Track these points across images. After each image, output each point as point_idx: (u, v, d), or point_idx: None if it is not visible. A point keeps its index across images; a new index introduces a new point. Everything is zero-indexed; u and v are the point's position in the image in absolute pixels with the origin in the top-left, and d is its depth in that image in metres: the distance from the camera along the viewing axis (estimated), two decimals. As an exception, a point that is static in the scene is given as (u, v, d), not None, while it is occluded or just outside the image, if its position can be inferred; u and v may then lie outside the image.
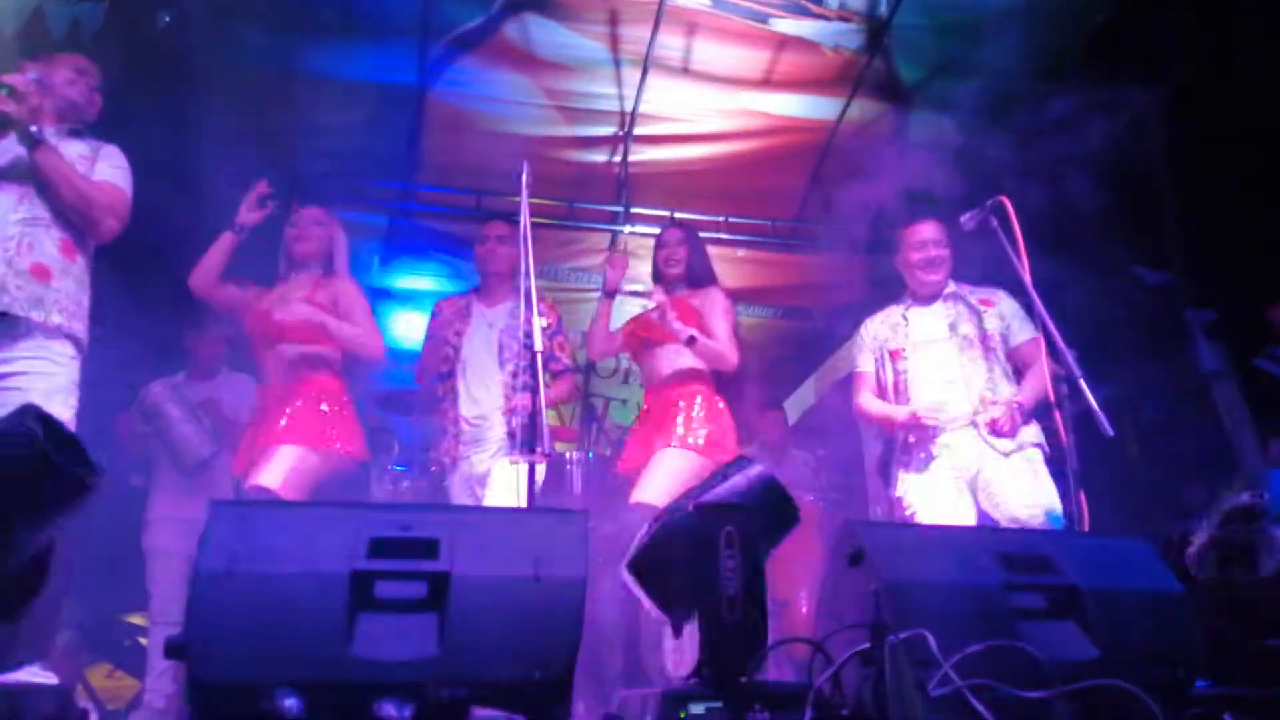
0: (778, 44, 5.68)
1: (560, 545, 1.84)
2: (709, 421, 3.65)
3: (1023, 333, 3.68)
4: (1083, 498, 2.90)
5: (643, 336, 3.92)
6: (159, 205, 3.27)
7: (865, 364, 3.84)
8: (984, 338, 3.65)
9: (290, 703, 1.60)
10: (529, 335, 2.88)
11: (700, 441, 3.58)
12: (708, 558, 1.90)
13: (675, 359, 3.79)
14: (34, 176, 2.92)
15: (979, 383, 3.57)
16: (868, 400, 3.78)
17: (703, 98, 5.99)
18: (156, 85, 4.59)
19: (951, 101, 6.01)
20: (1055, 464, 3.38)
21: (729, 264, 6.71)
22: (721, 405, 3.78)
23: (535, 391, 2.74)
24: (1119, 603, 2.07)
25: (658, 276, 4.08)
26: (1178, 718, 1.90)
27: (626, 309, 7.11)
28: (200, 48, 5.36)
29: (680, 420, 3.62)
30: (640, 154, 6.30)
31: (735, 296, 6.84)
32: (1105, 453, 3.34)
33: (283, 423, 3.43)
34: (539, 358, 2.80)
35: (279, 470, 3.28)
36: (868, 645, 1.81)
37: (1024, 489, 3.41)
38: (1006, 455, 3.47)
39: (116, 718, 4.42)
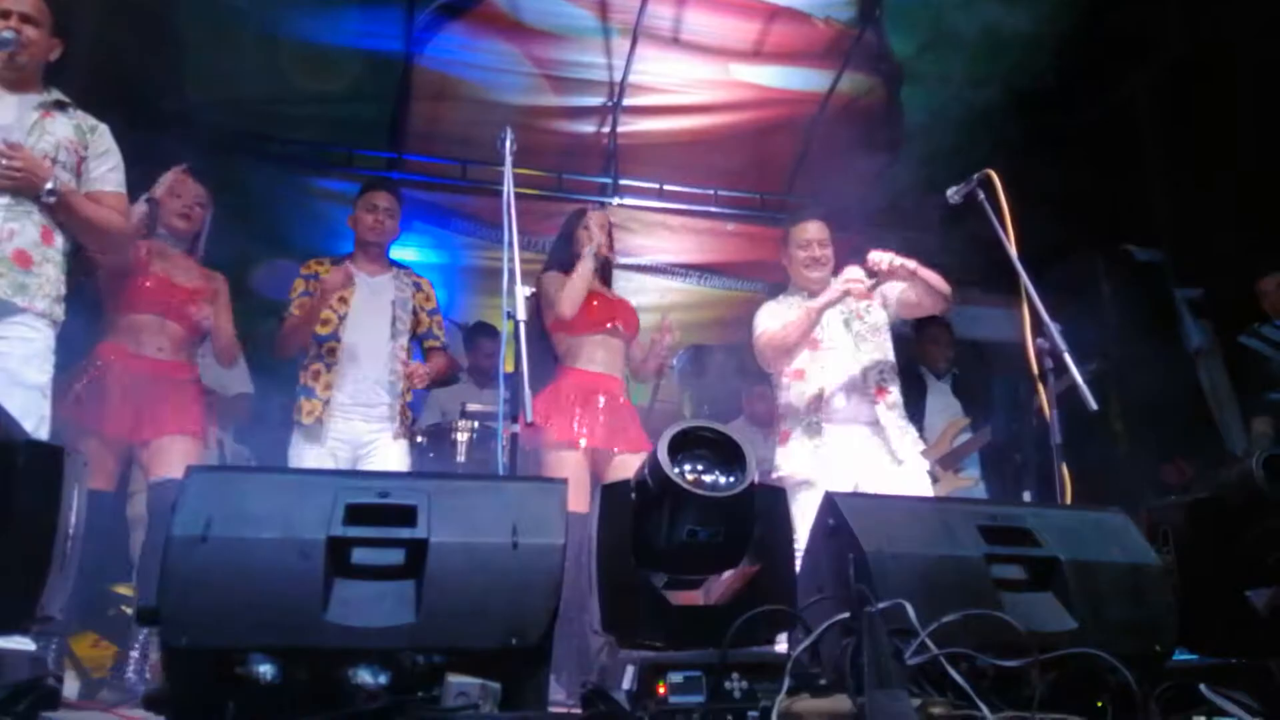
0: (769, 15, 5.63)
1: (539, 512, 1.82)
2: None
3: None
4: (1065, 471, 2.91)
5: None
6: (134, 172, 3.22)
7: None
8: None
9: (265, 669, 1.59)
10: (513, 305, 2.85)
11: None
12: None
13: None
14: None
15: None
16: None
17: (693, 68, 5.94)
18: (135, 48, 4.53)
19: (943, 75, 5.97)
20: (1040, 437, 3.38)
21: (718, 237, 6.69)
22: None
23: (520, 360, 2.72)
24: (1098, 575, 2.07)
25: None
26: (1154, 688, 1.91)
27: (621, 284, 7.13)
28: (181, 11, 5.28)
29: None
30: (630, 125, 6.26)
31: (724, 270, 6.88)
32: (1089, 427, 3.35)
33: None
34: (522, 327, 2.78)
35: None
36: (847, 615, 1.81)
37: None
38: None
39: (100, 685, 4.41)
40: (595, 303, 3.82)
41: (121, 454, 3.48)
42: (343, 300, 3.73)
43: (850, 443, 3.57)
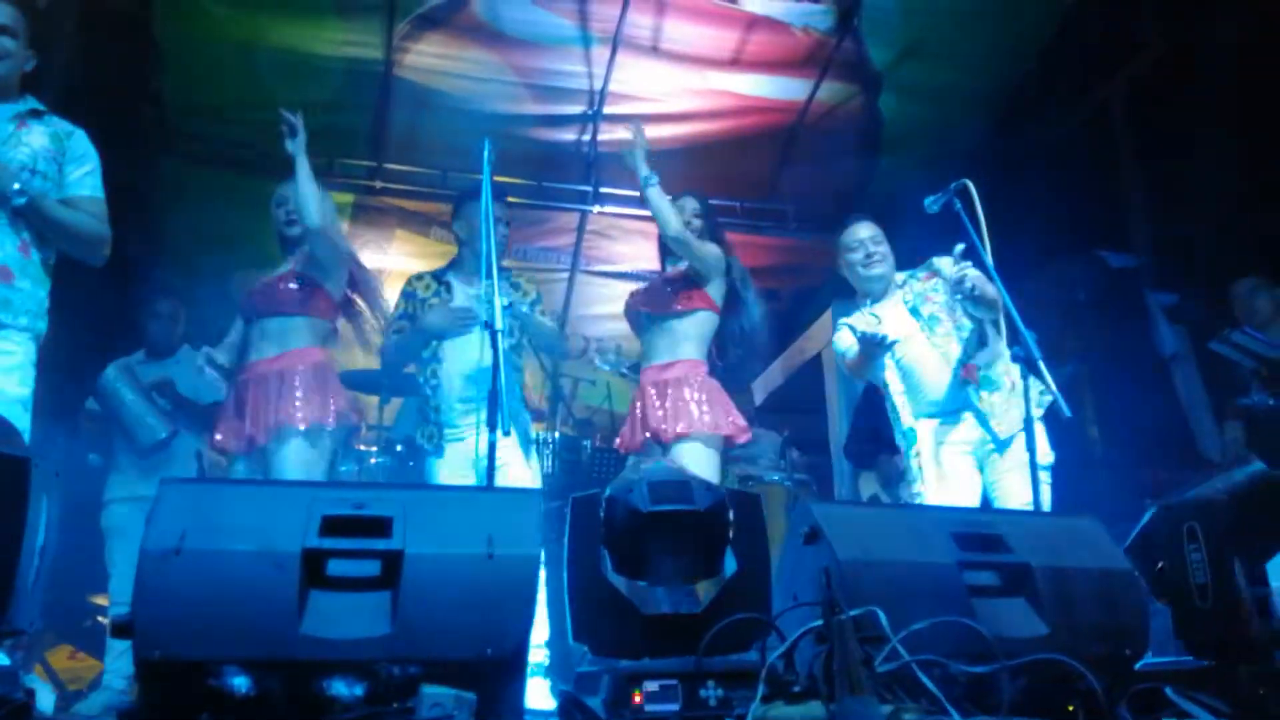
0: (747, 24, 5.66)
1: (514, 523, 1.83)
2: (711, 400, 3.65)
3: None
4: (1040, 477, 2.94)
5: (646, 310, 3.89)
6: (114, 181, 3.20)
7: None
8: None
9: (238, 681, 1.59)
10: (492, 314, 2.86)
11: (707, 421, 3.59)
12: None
13: (675, 339, 3.78)
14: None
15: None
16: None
17: (672, 77, 5.96)
18: (115, 58, 4.51)
19: (921, 83, 6.02)
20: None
21: (698, 245, 6.69)
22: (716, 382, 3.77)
23: (496, 370, 2.73)
24: (1069, 581, 2.10)
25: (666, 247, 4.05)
26: (1123, 692, 1.93)
27: (599, 290, 7.17)
28: (162, 20, 5.27)
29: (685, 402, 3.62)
30: (610, 133, 6.27)
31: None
32: (1065, 433, 3.38)
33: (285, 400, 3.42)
34: (499, 336, 2.79)
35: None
36: (820, 623, 1.82)
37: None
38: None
39: (77, 698, 4.38)
40: None
41: None
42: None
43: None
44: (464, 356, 3.61)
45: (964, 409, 3.44)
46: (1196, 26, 4.99)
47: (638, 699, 1.82)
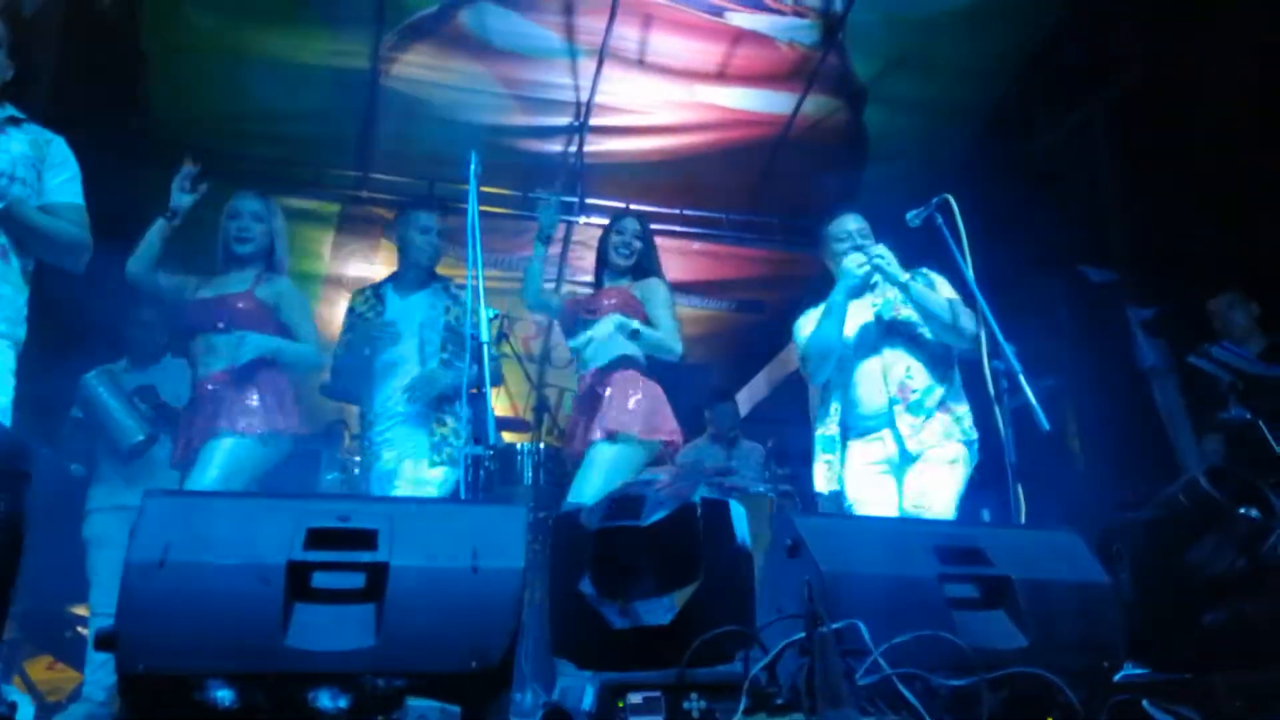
0: (733, 38, 5.70)
1: (499, 536, 1.84)
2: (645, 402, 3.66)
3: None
4: (1019, 490, 2.96)
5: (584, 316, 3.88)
6: (98, 190, 3.19)
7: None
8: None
9: (222, 694, 1.59)
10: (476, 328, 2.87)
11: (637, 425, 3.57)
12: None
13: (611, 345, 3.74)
14: None
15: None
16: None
17: (658, 90, 6.00)
18: (100, 67, 4.50)
19: (904, 98, 6.08)
20: (994, 456, 3.42)
21: (684, 256, 6.74)
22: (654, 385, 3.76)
23: (481, 385, 2.74)
24: (1048, 593, 2.12)
25: (604, 262, 4.02)
26: (1101, 704, 1.95)
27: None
28: (148, 30, 5.27)
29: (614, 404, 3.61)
30: (596, 145, 6.30)
31: (690, 289, 6.94)
32: (1045, 446, 3.41)
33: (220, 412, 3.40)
34: (485, 349, 2.79)
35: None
36: (802, 635, 1.84)
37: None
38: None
39: (56, 710, 4.34)
40: None
41: None
42: None
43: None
44: (391, 370, 3.69)
45: (885, 427, 3.45)
46: (1178, 44, 5.05)
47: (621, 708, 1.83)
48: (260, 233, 3.67)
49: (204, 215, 3.66)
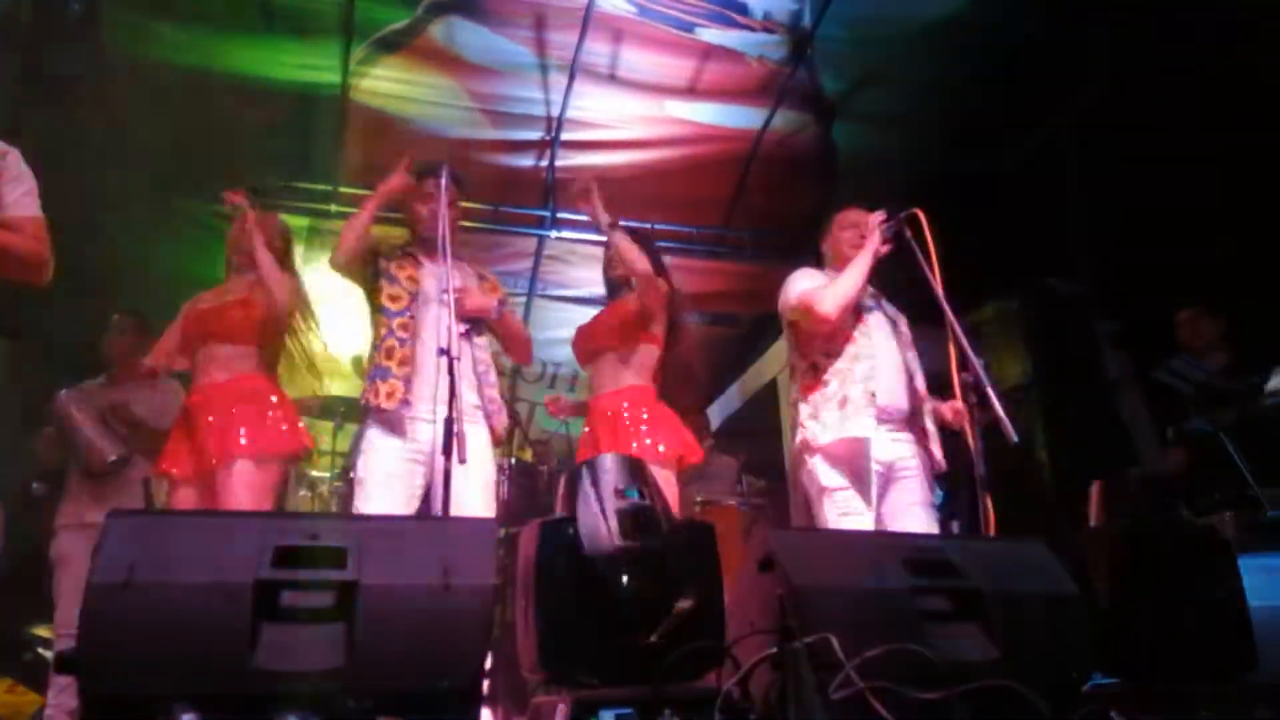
0: (703, 53, 5.74)
1: (469, 552, 1.83)
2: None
3: None
4: (989, 501, 2.98)
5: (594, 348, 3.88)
6: (66, 206, 3.14)
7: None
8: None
9: (187, 717, 1.56)
10: (448, 342, 2.85)
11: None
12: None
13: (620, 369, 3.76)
14: None
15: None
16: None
17: (629, 105, 6.02)
18: (64, 78, 4.45)
19: (873, 113, 6.14)
20: (966, 468, 3.44)
21: (655, 270, 6.74)
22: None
23: (453, 397, 2.72)
24: (1019, 605, 2.14)
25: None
26: (1069, 715, 1.97)
27: (556, 314, 7.18)
28: (113, 41, 5.21)
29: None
30: (567, 159, 6.30)
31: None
32: (1014, 458, 3.44)
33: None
34: (457, 364, 2.77)
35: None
36: (774, 650, 1.84)
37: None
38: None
39: (15, 734, 4.25)
40: None
41: None
42: None
43: None
44: None
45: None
46: (1144, 59, 5.14)
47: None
48: None
49: (171, 229, 3.64)
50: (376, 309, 3.44)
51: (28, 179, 2.99)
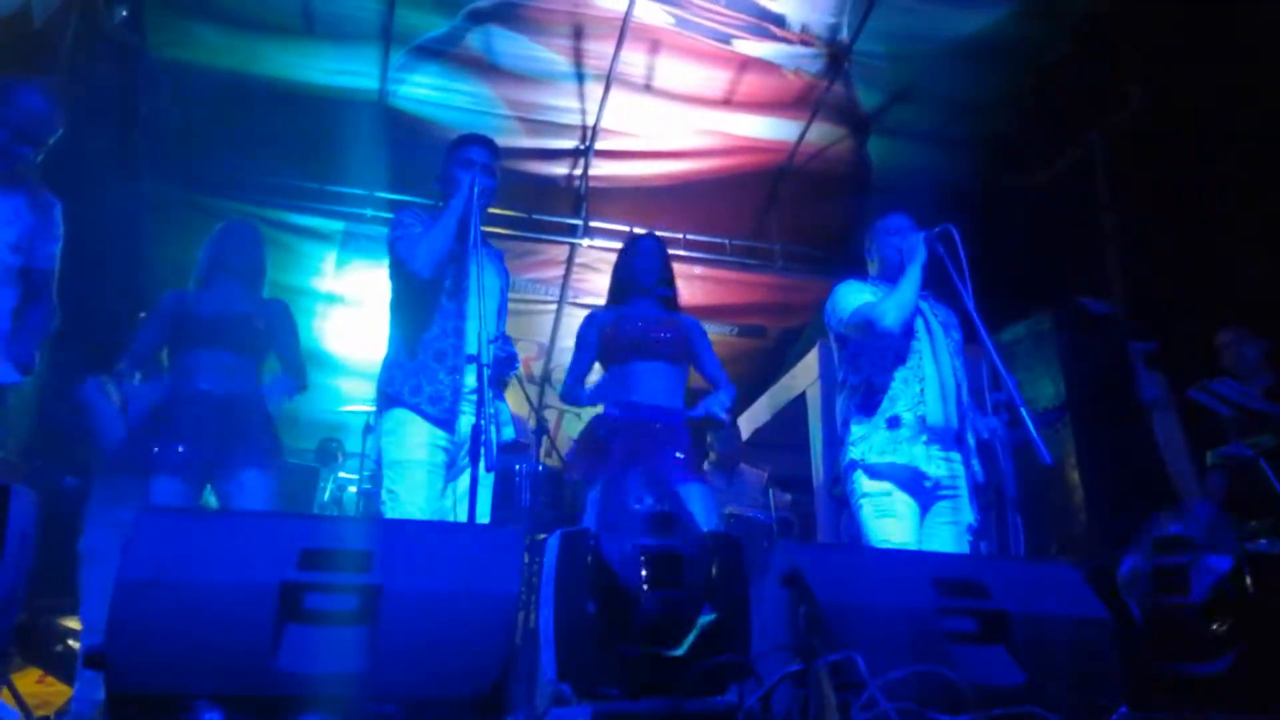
0: (739, 65, 5.74)
1: (493, 560, 1.83)
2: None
3: None
4: (1019, 522, 2.95)
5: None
6: (104, 203, 3.20)
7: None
8: None
9: (210, 716, 1.57)
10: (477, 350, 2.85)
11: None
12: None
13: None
14: None
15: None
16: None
17: (664, 115, 6.03)
18: (108, 80, 4.52)
19: (907, 128, 6.11)
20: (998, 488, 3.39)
21: (686, 281, 6.73)
22: None
23: (481, 406, 2.72)
24: (1046, 628, 2.10)
25: (629, 286, 3.78)
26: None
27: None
28: (156, 44, 5.30)
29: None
30: (601, 168, 6.33)
31: (691, 313, 6.93)
32: (1046, 478, 3.39)
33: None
34: (485, 371, 2.78)
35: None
36: (799, 667, 1.82)
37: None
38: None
39: (43, 725, 4.30)
40: None
41: None
42: None
43: None
44: None
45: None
46: (1178, 79, 5.08)
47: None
48: None
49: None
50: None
51: (60, 234, 3.10)
